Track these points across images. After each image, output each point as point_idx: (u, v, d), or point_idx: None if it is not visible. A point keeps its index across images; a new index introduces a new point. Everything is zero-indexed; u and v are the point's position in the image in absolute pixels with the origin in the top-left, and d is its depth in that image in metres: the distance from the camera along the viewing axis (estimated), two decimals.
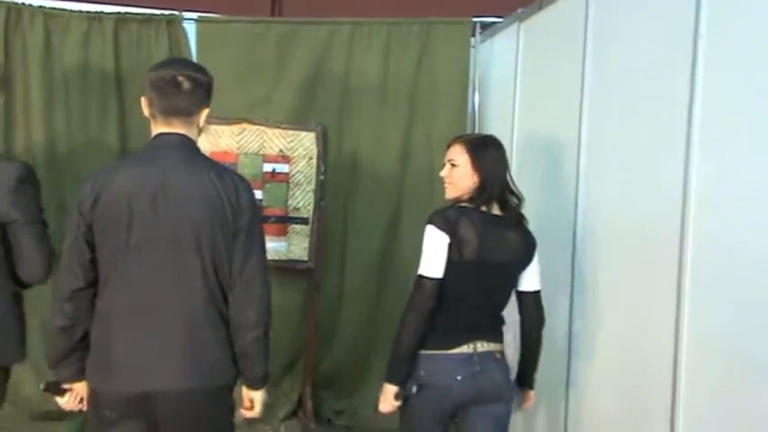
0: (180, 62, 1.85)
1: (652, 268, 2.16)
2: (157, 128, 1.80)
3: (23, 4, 3.39)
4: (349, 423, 3.61)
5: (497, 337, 2.11)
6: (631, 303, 2.28)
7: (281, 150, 3.44)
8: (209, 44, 3.56)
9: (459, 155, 2.10)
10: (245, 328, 1.78)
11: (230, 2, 3.84)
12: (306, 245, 3.47)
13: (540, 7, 3.01)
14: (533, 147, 3.05)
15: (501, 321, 2.15)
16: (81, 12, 3.46)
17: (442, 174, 2.14)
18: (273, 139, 3.44)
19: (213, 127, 3.25)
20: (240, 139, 3.40)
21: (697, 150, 1.96)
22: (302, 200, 3.47)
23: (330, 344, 3.70)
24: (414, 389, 2.01)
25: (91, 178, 1.78)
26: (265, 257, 1.84)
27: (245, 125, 3.38)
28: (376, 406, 2.06)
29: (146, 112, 1.82)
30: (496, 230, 2.04)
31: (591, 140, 2.58)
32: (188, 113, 1.79)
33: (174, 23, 3.54)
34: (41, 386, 1.91)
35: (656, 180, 2.15)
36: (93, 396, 1.80)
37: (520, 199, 2.12)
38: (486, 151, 2.10)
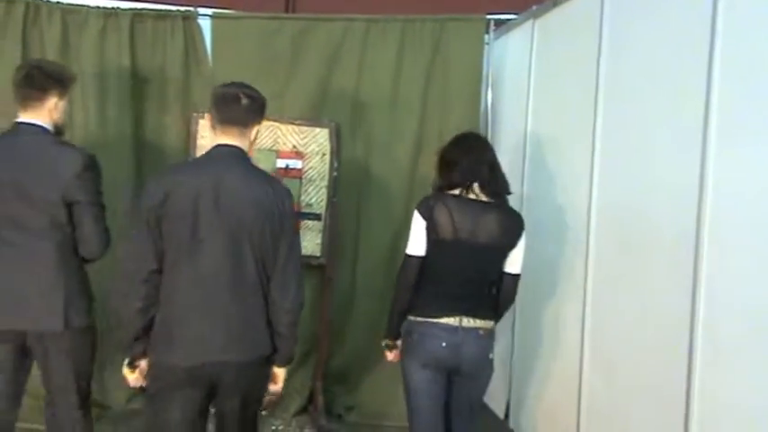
0: (241, 84, 2.17)
1: (667, 267, 2.16)
2: (217, 138, 2.10)
3: (41, 0, 3.43)
4: (359, 419, 3.62)
5: (485, 314, 2.32)
6: (645, 302, 2.27)
7: (294, 146, 3.46)
8: (223, 40, 3.59)
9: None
10: (283, 313, 2.10)
11: None
12: (318, 241, 3.48)
13: (555, 4, 3.01)
14: (547, 144, 3.05)
15: (490, 301, 2.35)
16: (98, 8, 3.50)
17: None
18: (287, 135, 3.46)
19: None
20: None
21: (713, 148, 1.95)
22: (315, 196, 3.48)
23: (342, 340, 3.72)
24: (395, 343, 2.42)
25: (152, 180, 2.09)
26: (300, 255, 2.15)
27: None
28: (385, 356, 2.49)
29: (208, 124, 2.14)
30: (472, 213, 2.27)
31: (605, 138, 2.57)
32: (243, 124, 2.10)
33: (189, 19, 3.57)
34: (125, 363, 2.11)
35: (672, 178, 2.14)
36: (156, 367, 2.06)
37: (505, 182, 2.34)
38: (445, 149, 2.42)
